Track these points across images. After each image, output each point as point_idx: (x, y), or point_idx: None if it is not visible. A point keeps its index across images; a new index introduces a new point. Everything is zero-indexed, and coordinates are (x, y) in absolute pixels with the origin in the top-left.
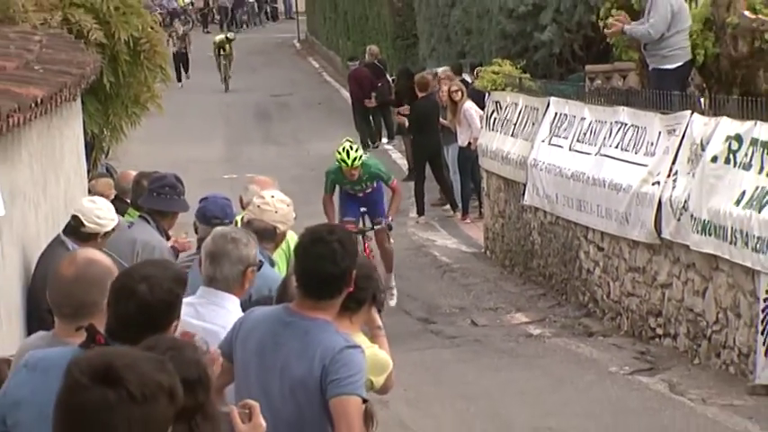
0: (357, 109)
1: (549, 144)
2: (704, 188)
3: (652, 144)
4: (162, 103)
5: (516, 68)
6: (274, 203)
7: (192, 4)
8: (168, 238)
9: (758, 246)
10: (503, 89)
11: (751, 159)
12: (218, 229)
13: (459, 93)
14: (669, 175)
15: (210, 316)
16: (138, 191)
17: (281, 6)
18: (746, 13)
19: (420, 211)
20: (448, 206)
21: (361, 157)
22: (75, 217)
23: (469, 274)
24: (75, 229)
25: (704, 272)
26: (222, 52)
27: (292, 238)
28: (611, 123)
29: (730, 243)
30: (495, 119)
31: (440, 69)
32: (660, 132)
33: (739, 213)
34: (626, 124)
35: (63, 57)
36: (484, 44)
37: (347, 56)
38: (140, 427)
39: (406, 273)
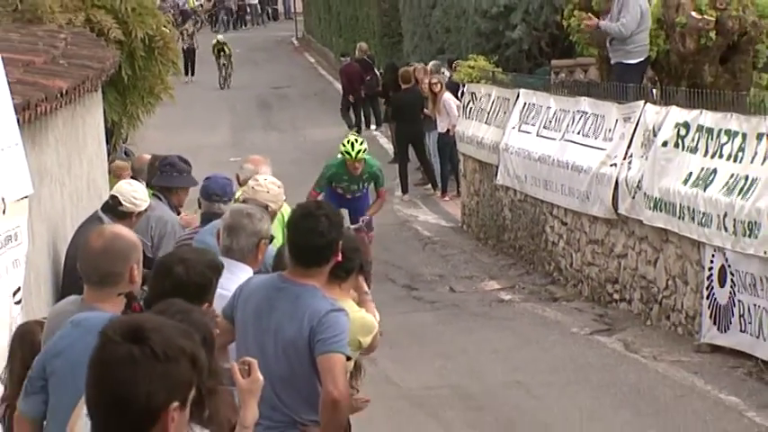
0: (343, 101)
1: (519, 131)
2: (656, 169)
3: (610, 130)
4: (174, 94)
5: (490, 63)
6: (266, 185)
7: (202, 5)
8: (179, 214)
9: (703, 220)
10: (478, 81)
11: (697, 144)
12: (236, 205)
13: (439, 85)
14: (625, 158)
15: (225, 283)
16: (152, 172)
17: (281, 7)
18: (693, 13)
19: (404, 190)
20: (429, 186)
21: (365, 150)
22: (113, 197)
23: (448, 246)
24: (113, 208)
25: (656, 244)
26: (222, 54)
27: (287, 212)
28: (574, 112)
29: (679, 218)
30: (470, 108)
31: (430, 63)
32: (617, 120)
33: (687, 192)
34: (587, 113)
35: (85, 52)
36: (461, 41)
37: (340, 52)
38: (160, 383)
39: (392, 245)
